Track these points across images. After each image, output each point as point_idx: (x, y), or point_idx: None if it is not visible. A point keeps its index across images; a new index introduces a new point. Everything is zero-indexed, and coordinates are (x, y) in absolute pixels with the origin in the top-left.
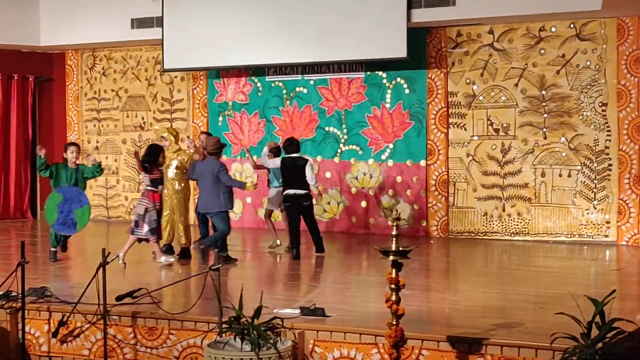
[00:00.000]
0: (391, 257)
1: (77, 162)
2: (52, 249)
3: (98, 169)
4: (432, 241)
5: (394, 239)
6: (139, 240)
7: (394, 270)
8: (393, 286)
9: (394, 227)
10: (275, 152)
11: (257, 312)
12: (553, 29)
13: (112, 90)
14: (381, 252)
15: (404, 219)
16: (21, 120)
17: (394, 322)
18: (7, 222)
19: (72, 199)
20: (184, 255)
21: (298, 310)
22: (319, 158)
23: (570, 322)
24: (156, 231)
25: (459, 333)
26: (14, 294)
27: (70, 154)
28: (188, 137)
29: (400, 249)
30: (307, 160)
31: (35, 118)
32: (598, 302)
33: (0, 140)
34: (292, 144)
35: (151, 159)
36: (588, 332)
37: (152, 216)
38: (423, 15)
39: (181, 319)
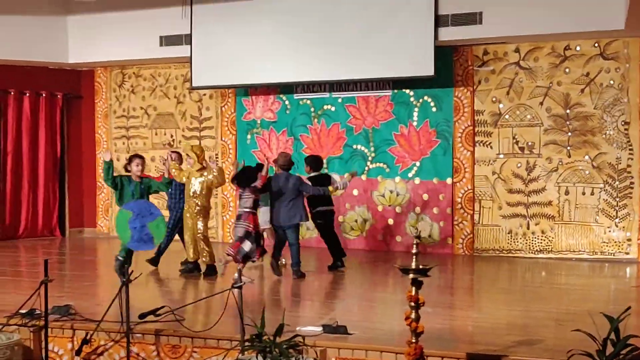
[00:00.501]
0: (411, 275)
1: (142, 174)
2: (120, 258)
3: (167, 185)
4: (457, 259)
5: (414, 257)
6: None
7: (413, 288)
8: (413, 304)
9: (414, 245)
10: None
11: (279, 329)
12: (578, 48)
13: (141, 108)
14: (401, 270)
15: (428, 236)
16: (49, 138)
17: (414, 340)
18: (36, 239)
19: (143, 212)
20: (209, 272)
21: (320, 328)
22: (346, 175)
23: (589, 339)
24: (248, 256)
25: (480, 350)
26: (37, 312)
27: (135, 167)
28: (209, 157)
29: (420, 267)
30: (329, 175)
31: (64, 135)
32: (613, 319)
33: (29, 157)
34: (318, 161)
35: (253, 180)
36: (603, 349)
37: (251, 239)
38: (450, 34)
39: (204, 337)
